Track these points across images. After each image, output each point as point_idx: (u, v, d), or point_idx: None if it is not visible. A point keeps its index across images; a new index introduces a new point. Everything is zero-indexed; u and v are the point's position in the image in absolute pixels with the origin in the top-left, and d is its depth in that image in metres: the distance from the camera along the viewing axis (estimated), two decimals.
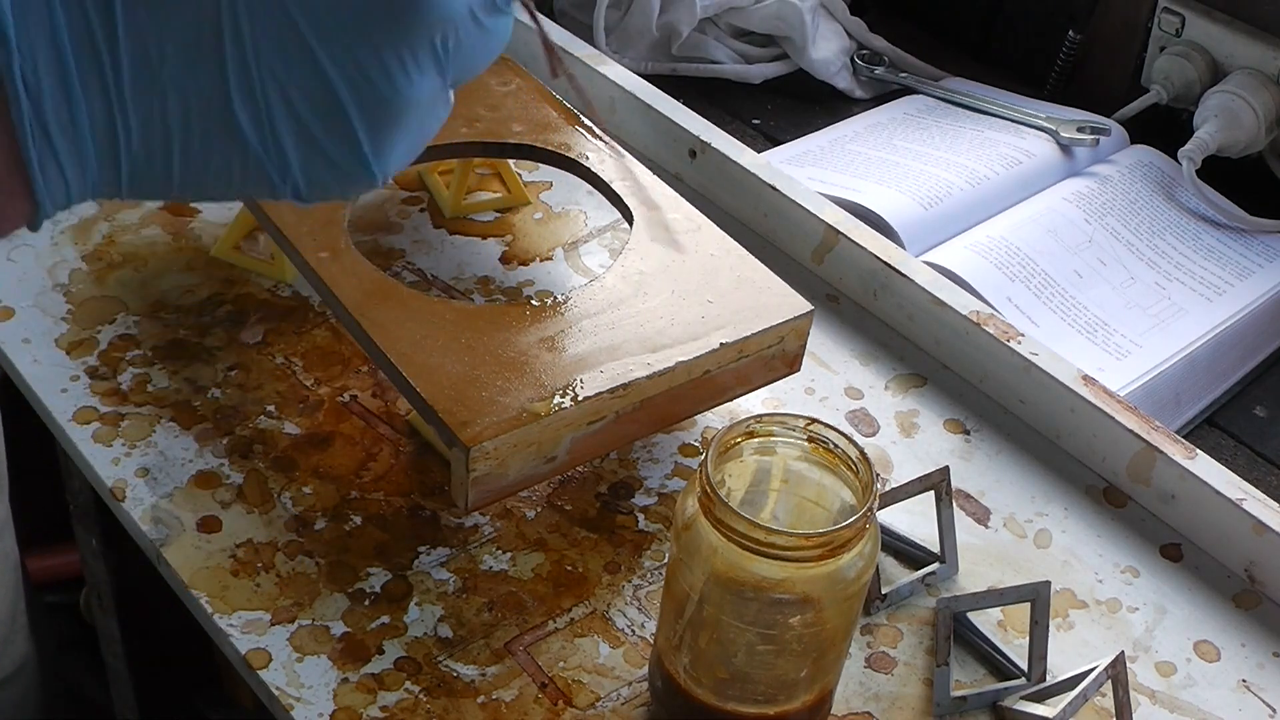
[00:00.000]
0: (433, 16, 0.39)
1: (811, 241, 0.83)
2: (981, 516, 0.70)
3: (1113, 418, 0.71)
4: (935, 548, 0.67)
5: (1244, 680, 0.64)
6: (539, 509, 0.67)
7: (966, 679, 0.62)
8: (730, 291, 0.68)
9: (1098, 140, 0.97)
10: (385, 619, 0.62)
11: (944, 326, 0.77)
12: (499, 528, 0.66)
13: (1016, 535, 0.69)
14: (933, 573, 0.66)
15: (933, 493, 0.66)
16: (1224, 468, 0.69)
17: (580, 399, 0.61)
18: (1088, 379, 0.73)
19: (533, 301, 0.67)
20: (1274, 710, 0.62)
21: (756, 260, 0.70)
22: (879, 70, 1.06)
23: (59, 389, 0.70)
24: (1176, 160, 0.95)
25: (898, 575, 0.66)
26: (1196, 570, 0.69)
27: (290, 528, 0.65)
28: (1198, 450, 0.69)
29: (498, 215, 0.84)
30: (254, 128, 0.38)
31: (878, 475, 0.64)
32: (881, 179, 0.91)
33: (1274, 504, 0.67)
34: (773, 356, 0.68)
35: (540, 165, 0.82)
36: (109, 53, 0.37)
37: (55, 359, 0.72)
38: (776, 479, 0.57)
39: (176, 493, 0.66)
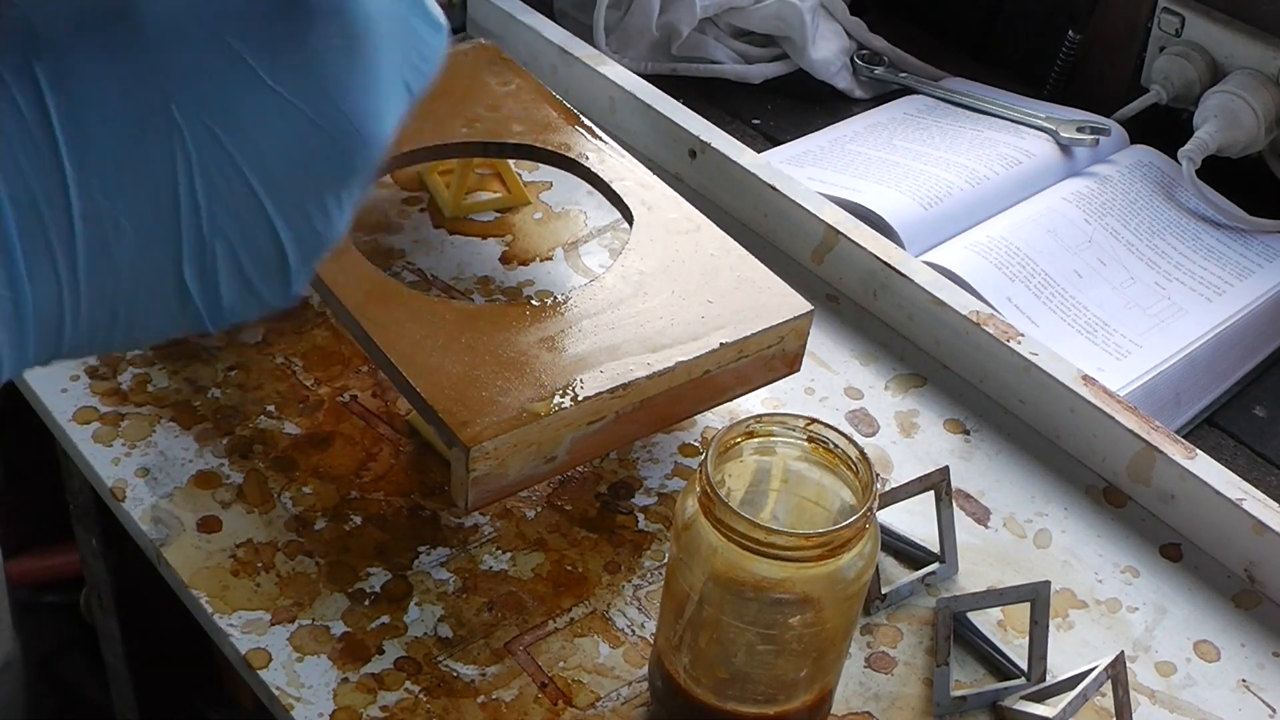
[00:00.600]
0: (373, 150, 0.39)
1: (811, 241, 0.83)
2: (981, 516, 0.70)
3: (1113, 418, 0.71)
4: (935, 548, 0.67)
5: (1244, 680, 0.64)
6: (539, 509, 0.67)
7: (966, 679, 0.62)
8: (730, 291, 0.68)
9: (1098, 140, 0.97)
10: (385, 619, 0.62)
11: (944, 326, 0.77)
12: (499, 528, 0.66)
13: (1016, 535, 0.69)
14: (933, 573, 0.66)
15: (933, 493, 0.66)
16: (1224, 468, 0.69)
17: (580, 399, 0.61)
18: (1088, 379, 0.73)
19: (533, 301, 0.67)
20: (1274, 710, 0.62)
21: (756, 260, 0.70)
22: (879, 70, 1.06)
23: (59, 389, 0.70)
24: (1176, 160, 0.94)
25: (898, 575, 0.66)
26: (1196, 570, 0.69)
27: (290, 528, 0.65)
28: (1198, 450, 0.69)
29: (498, 215, 0.84)
30: (200, 289, 0.37)
31: (878, 475, 0.64)
32: (881, 179, 0.91)
33: (1274, 504, 0.67)
34: (773, 356, 0.68)
35: (540, 165, 0.82)
36: (62, 240, 0.35)
37: None
38: (776, 479, 0.57)
39: (176, 493, 0.66)
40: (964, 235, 0.88)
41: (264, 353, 0.73)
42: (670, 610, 0.56)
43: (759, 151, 0.91)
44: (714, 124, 0.89)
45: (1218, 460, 0.69)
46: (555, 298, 0.67)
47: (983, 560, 0.68)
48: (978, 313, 0.76)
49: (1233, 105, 0.93)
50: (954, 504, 0.67)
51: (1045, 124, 0.98)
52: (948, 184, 0.91)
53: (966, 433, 0.75)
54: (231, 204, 0.37)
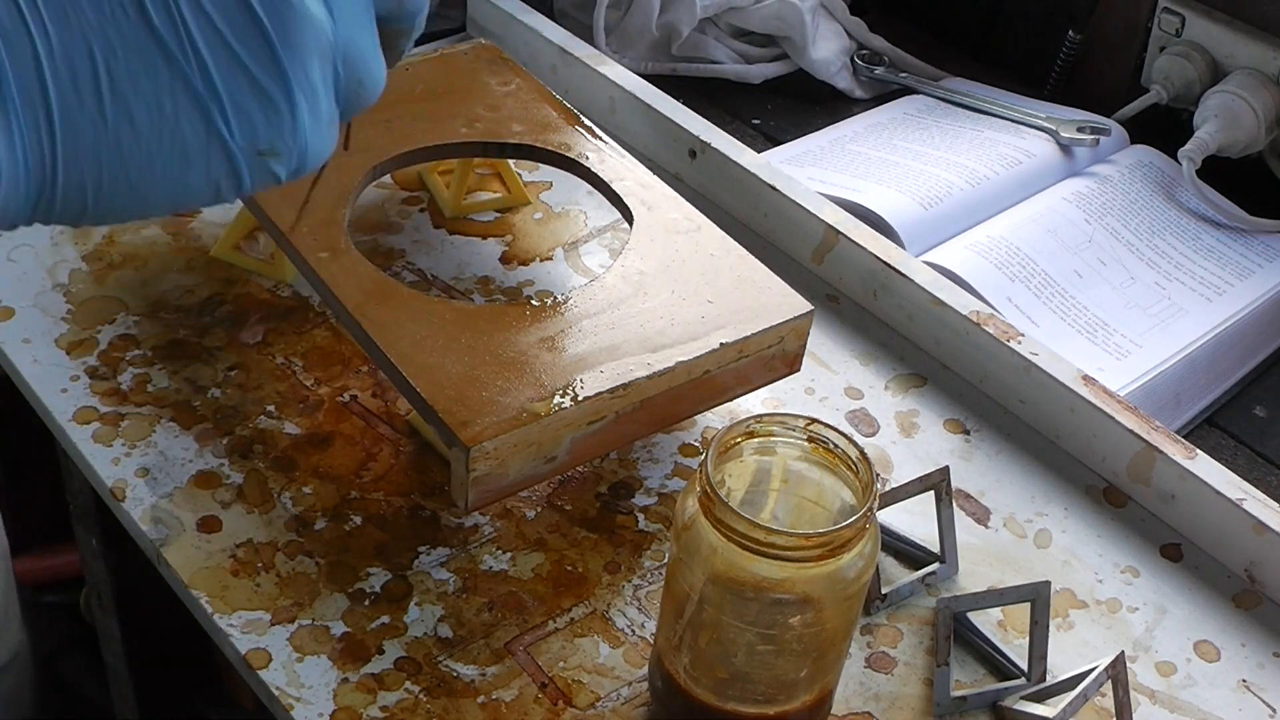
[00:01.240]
0: None
1: (811, 241, 0.83)
2: (981, 516, 0.70)
3: (1113, 418, 0.71)
4: (935, 548, 0.67)
5: (1244, 680, 0.64)
6: (539, 509, 0.67)
7: (966, 679, 0.62)
8: (730, 291, 0.68)
9: (1098, 140, 0.97)
10: (385, 619, 0.62)
11: (944, 326, 0.77)
12: (499, 528, 0.66)
13: (1016, 535, 0.69)
14: (933, 573, 0.66)
15: (933, 493, 0.66)
16: (1224, 468, 0.69)
17: (580, 399, 0.61)
18: (1088, 379, 0.73)
19: (533, 301, 0.67)
20: (1274, 710, 0.62)
21: (756, 260, 0.70)
22: (879, 70, 1.06)
23: (59, 389, 0.70)
24: (1176, 160, 0.95)
25: (898, 575, 0.66)
26: (1196, 570, 0.69)
27: (290, 528, 0.65)
28: (1198, 450, 0.69)
29: (498, 215, 0.84)
30: (170, 32, 0.38)
31: (878, 475, 0.64)
32: (881, 179, 0.91)
33: (1274, 504, 0.67)
34: (773, 356, 0.68)
35: (540, 165, 0.82)
36: None
37: (55, 359, 0.72)
38: (776, 479, 0.57)
39: (176, 493, 0.66)
40: (964, 235, 0.88)
41: (264, 353, 0.73)
42: (670, 610, 0.56)
43: (759, 151, 0.91)
44: (714, 124, 0.89)
45: (1218, 460, 0.69)
46: (555, 298, 0.67)
47: (983, 560, 0.68)
48: (978, 313, 0.76)
49: (1233, 105, 0.93)
50: (954, 504, 0.67)
51: (1045, 124, 0.98)
52: (948, 184, 0.91)
53: (966, 433, 0.75)
54: None
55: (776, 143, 0.99)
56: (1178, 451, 0.69)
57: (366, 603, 0.62)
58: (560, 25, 0.97)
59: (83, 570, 0.92)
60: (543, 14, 0.98)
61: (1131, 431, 0.70)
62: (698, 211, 0.73)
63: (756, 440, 0.55)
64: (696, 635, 0.55)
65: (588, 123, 0.79)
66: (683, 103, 0.91)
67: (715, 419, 0.73)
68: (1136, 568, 0.68)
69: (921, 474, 0.66)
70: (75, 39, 0.37)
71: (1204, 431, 0.81)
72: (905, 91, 1.06)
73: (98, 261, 0.78)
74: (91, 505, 0.82)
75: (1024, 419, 0.75)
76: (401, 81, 0.79)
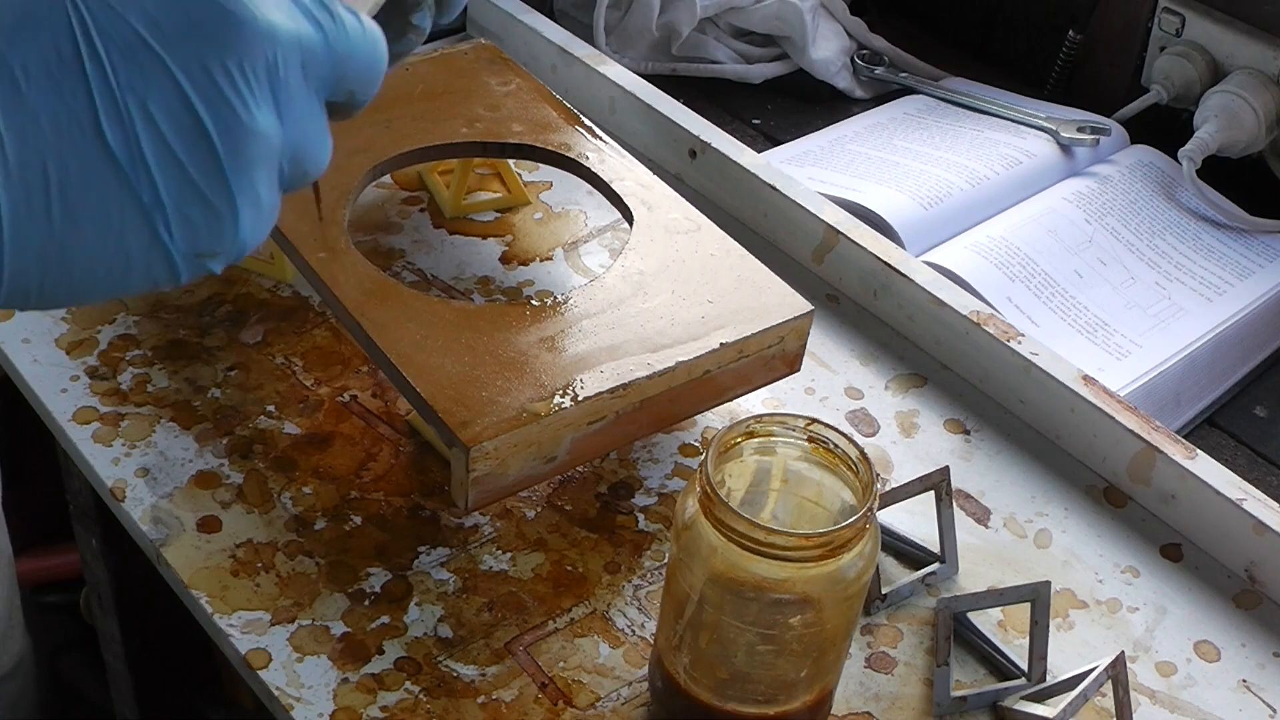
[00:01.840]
0: (260, 22, 0.39)
1: (811, 241, 0.83)
2: (981, 516, 0.70)
3: (1113, 418, 0.71)
4: (935, 548, 0.67)
5: (1244, 680, 0.64)
6: (539, 509, 0.67)
7: (966, 679, 0.62)
8: (730, 291, 0.68)
9: (1098, 140, 0.97)
10: (385, 619, 0.62)
11: (944, 326, 0.77)
12: (499, 528, 0.66)
13: (1016, 535, 0.69)
14: (933, 573, 0.66)
15: (933, 493, 0.66)
16: (1224, 468, 0.69)
17: (580, 399, 0.61)
18: (1088, 379, 0.73)
19: (533, 301, 0.67)
20: (1274, 710, 0.62)
21: (756, 260, 0.70)
22: (879, 70, 1.06)
23: (59, 389, 0.70)
24: (1176, 160, 0.95)
25: (898, 575, 0.66)
26: (1196, 570, 0.69)
27: (290, 528, 0.65)
28: (1198, 450, 0.69)
29: (498, 215, 0.84)
30: (123, 149, 0.38)
31: (878, 475, 0.64)
32: (881, 179, 0.91)
33: (1274, 504, 0.67)
34: (773, 356, 0.68)
35: (540, 165, 0.82)
36: None
37: (55, 359, 0.72)
38: (776, 479, 0.57)
39: (176, 493, 0.66)
40: (964, 235, 0.88)
41: (264, 353, 0.73)
42: (670, 610, 0.56)
43: (759, 151, 0.91)
44: (714, 124, 0.89)
45: (1218, 460, 0.69)
46: (555, 298, 0.67)
47: (983, 560, 0.68)
48: (978, 313, 0.76)
49: (1233, 105, 0.93)
50: (954, 504, 0.67)
51: (1045, 124, 0.98)
52: (948, 184, 0.91)
53: (966, 433, 0.74)
54: (129, 54, 0.38)
55: (776, 143, 0.99)
56: (1178, 451, 0.69)
57: (366, 603, 0.62)
58: (560, 25, 0.97)
59: (83, 570, 0.92)
60: (543, 14, 0.98)
61: (1132, 431, 0.70)
62: (698, 211, 0.73)
63: (756, 440, 0.55)
64: (697, 635, 0.55)
65: (588, 123, 0.79)
66: (683, 103, 0.91)
67: (715, 419, 0.73)
68: (1137, 568, 0.68)
69: (921, 474, 0.66)
70: (31, 153, 0.37)
71: (1204, 431, 0.81)
72: (905, 91, 1.06)
73: None
74: (91, 505, 0.82)
75: (1024, 419, 0.75)
76: (401, 81, 0.79)
